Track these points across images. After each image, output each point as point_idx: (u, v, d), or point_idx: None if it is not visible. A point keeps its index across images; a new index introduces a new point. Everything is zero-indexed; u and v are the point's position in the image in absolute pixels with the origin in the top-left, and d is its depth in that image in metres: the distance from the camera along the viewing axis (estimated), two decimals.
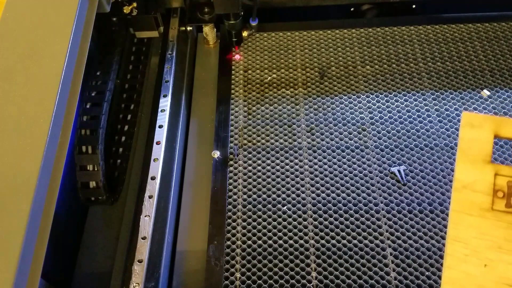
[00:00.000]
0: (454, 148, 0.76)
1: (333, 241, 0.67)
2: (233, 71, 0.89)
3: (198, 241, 0.70)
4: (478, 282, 0.37)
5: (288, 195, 0.72)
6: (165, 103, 0.80)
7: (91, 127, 0.71)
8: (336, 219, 0.69)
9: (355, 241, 0.67)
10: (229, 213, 0.70)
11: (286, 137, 0.79)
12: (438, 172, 0.73)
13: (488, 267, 0.37)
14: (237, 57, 0.92)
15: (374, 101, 0.83)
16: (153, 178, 0.70)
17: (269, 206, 0.71)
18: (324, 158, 0.76)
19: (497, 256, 0.37)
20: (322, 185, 0.73)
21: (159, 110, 0.79)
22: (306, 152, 0.77)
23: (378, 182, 0.73)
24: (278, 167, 0.75)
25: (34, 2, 0.60)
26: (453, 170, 0.73)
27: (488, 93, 0.83)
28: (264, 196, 0.72)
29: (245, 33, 0.93)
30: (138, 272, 0.62)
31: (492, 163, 0.40)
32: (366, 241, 0.67)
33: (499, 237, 0.38)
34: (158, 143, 0.74)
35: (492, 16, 0.96)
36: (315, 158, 0.76)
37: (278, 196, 0.72)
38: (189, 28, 0.95)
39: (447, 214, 0.69)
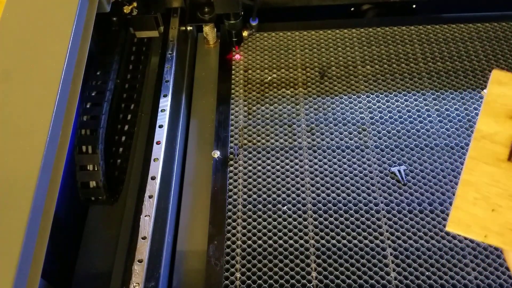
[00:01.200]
0: (454, 148, 0.76)
1: (333, 241, 0.67)
2: (233, 71, 0.89)
3: (198, 241, 0.70)
4: (483, 223, 0.38)
5: (288, 195, 0.72)
6: (165, 103, 0.80)
7: (91, 127, 0.71)
8: (336, 219, 0.69)
9: (355, 241, 0.67)
10: (229, 213, 0.70)
11: (286, 137, 0.79)
12: (438, 172, 0.73)
13: (496, 212, 0.38)
14: (237, 57, 0.92)
15: (374, 101, 0.83)
16: (153, 178, 0.70)
17: (269, 206, 0.71)
18: (324, 158, 0.76)
19: (506, 203, 0.38)
20: (322, 185, 0.73)
21: (159, 110, 0.79)
22: (306, 152, 0.77)
23: (378, 182, 0.73)
24: (278, 167, 0.75)
25: (34, 2, 0.60)
26: (453, 170, 0.73)
27: None
28: (264, 196, 0.72)
29: (245, 33, 0.93)
30: (138, 272, 0.62)
31: None
32: (366, 241, 0.67)
33: (511, 186, 0.39)
34: (158, 143, 0.74)
35: (492, 16, 0.96)
36: (315, 158, 0.76)
37: (278, 196, 0.72)
38: (189, 28, 0.95)
39: (447, 214, 0.69)
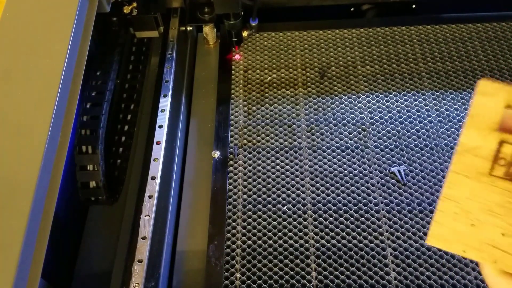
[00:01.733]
0: (454, 148, 0.76)
1: (333, 241, 0.67)
2: (233, 71, 0.89)
3: (198, 241, 0.70)
4: (463, 239, 0.38)
5: (288, 195, 0.72)
6: (165, 103, 0.80)
7: (91, 127, 0.71)
8: (336, 219, 0.69)
9: (355, 241, 0.67)
10: (229, 213, 0.70)
11: (286, 137, 0.79)
12: (438, 172, 0.73)
13: (475, 227, 0.38)
14: (237, 57, 0.92)
15: (374, 101, 0.83)
16: (153, 178, 0.70)
17: (269, 206, 0.71)
18: (324, 158, 0.76)
19: (486, 219, 0.38)
20: (322, 185, 0.73)
21: (159, 110, 0.79)
22: (306, 152, 0.77)
23: (378, 182, 0.73)
24: (278, 167, 0.75)
25: (34, 2, 0.60)
26: None
27: None
28: (264, 196, 0.72)
29: (245, 33, 0.93)
30: (138, 272, 0.62)
31: (499, 131, 0.40)
32: (366, 241, 0.67)
33: (491, 201, 0.38)
34: (158, 143, 0.74)
35: (492, 16, 0.96)
36: (315, 158, 0.76)
37: (278, 196, 0.72)
38: (189, 28, 0.95)
39: None
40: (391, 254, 0.65)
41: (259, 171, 0.75)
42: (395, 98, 0.83)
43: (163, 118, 0.78)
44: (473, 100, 0.42)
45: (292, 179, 0.74)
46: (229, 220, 0.69)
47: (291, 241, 0.67)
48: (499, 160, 0.39)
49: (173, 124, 0.80)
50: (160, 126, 0.76)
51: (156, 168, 0.71)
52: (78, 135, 0.70)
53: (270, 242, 0.67)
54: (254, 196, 0.72)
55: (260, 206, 0.71)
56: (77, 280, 0.70)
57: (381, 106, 0.82)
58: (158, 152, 0.73)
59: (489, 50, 0.90)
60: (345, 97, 0.84)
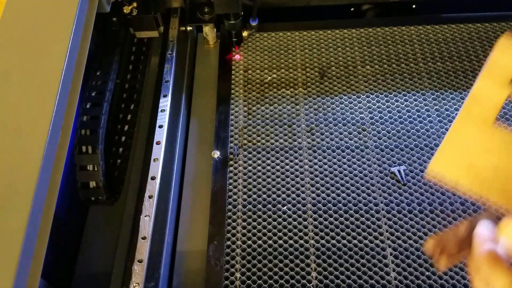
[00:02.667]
0: None
1: (333, 241, 0.67)
2: (233, 71, 0.89)
3: (198, 241, 0.70)
4: (461, 170, 0.41)
5: (288, 195, 0.72)
6: (165, 103, 0.80)
7: (91, 127, 0.71)
8: (336, 219, 0.69)
9: (355, 241, 0.67)
10: (229, 213, 0.70)
11: (286, 137, 0.79)
12: None
13: (473, 165, 0.41)
14: (237, 57, 0.92)
15: (374, 101, 0.83)
16: (153, 178, 0.70)
17: (269, 206, 0.71)
18: (324, 158, 0.76)
19: (484, 156, 0.41)
20: (322, 185, 0.73)
21: (159, 110, 0.79)
22: (306, 152, 0.77)
23: (378, 182, 0.73)
24: (278, 167, 0.75)
25: (34, 2, 0.60)
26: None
27: None
28: (264, 196, 0.72)
29: (245, 33, 0.93)
30: (138, 272, 0.62)
31: (510, 84, 0.43)
32: (366, 241, 0.67)
33: (491, 144, 0.41)
34: (158, 143, 0.74)
35: (492, 16, 0.96)
36: (315, 158, 0.76)
37: (278, 196, 0.72)
38: (189, 28, 0.95)
39: (447, 214, 0.69)
40: (391, 254, 0.65)
41: (259, 171, 0.75)
42: (395, 98, 0.83)
43: (163, 118, 0.78)
44: (492, 54, 0.45)
45: (292, 179, 0.74)
46: (229, 220, 0.69)
47: (291, 241, 0.67)
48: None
49: (173, 124, 0.80)
50: (160, 126, 0.76)
51: (156, 168, 0.71)
52: (78, 135, 0.70)
53: (270, 242, 0.67)
54: (254, 196, 0.72)
55: (260, 206, 0.71)
56: (77, 280, 0.70)
57: (381, 106, 0.82)
58: (158, 152, 0.73)
59: (489, 50, 0.90)
60: (345, 97, 0.84)
